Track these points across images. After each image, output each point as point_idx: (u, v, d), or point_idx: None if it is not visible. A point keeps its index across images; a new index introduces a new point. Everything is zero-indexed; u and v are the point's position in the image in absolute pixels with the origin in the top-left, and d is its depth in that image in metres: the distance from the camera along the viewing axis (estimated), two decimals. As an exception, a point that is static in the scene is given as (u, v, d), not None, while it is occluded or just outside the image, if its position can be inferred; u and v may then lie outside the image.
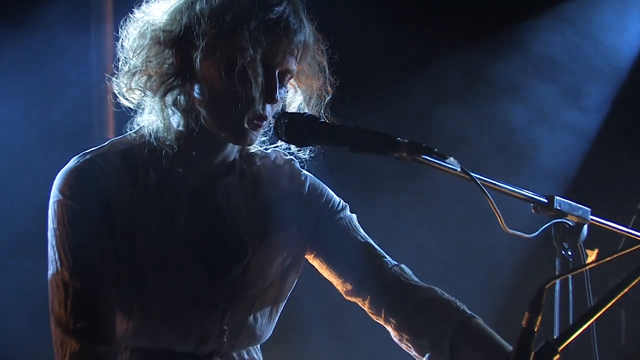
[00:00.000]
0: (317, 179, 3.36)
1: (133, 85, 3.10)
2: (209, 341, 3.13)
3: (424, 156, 2.97)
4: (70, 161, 3.08)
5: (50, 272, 3.02)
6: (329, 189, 3.36)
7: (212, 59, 2.96)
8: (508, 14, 6.67)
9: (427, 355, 3.14)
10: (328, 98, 3.20)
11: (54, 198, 3.04)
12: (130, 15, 3.12)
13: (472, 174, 3.01)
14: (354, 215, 3.35)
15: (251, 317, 3.18)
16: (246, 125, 3.00)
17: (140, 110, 3.16)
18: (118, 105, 3.18)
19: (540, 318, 2.62)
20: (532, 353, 2.61)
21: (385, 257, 3.28)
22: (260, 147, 3.27)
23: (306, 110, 3.16)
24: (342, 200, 3.35)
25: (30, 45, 5.62)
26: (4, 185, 5.45)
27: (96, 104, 5.84)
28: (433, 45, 6.56)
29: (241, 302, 3.16)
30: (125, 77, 3.10)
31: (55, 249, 3.01)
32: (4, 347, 5.47)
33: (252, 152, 3.23)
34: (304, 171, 3.35)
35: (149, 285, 3.04)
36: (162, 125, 3.08)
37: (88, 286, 2.97)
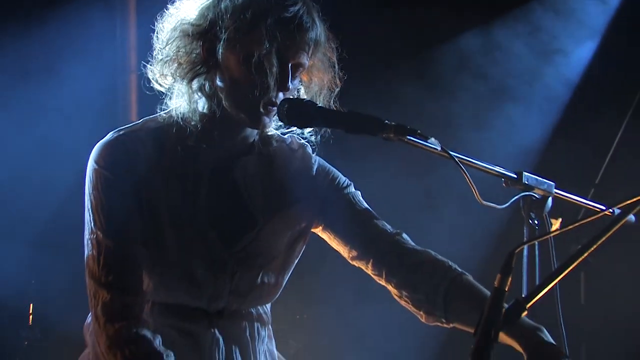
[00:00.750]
0: (325, 162, 3.38)
1: (165, 71, 3.14)
2: (220, 299, 3.14)
3: (408, 137, 3.01)
4: (107, 136, 3.12)
5: (86, 232, 3.05)
6: (335, 169, 3.38)
7: (233, 51, 3.00)
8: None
9: (423, 308, 3.17)
10: (337, 90, 3.22)
11: (90, 167, 3.07)
12: (164, 11, 3.16)
13: (450, 152, 3.03)
14: (358, 192, 3.36)
15: (258, 281, 3.20)
16: (261, 110, 3.04)
17: (169, 95, 3.18)
18: (140, 90, 3.21)
19: (510, 279, 2.64)
20: (503, 310, 2.63)
21: (386, 226, 3.29)
22: (277, 130, 3.29)
23: (317, 100, 3.17)
24: (347, 179, 3.37)
25: (64, 38, 5.63)
26: (46, 156, 5.45)
27: (121, 90, 5.85)
28: (411, 38, 6.54)
29: (249, 267, 3.17)
30: (159, 64, 3.14)
31: (90, 212, 3.04)
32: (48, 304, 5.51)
33: (270, 135, 3.24)
34: (314, 155, 3.37)
35: (169, 248, 3.07)
36: (189, 107, 3.11)
37: (118, 245, 3.00)
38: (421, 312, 3.19)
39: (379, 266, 3.26)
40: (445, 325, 3.18)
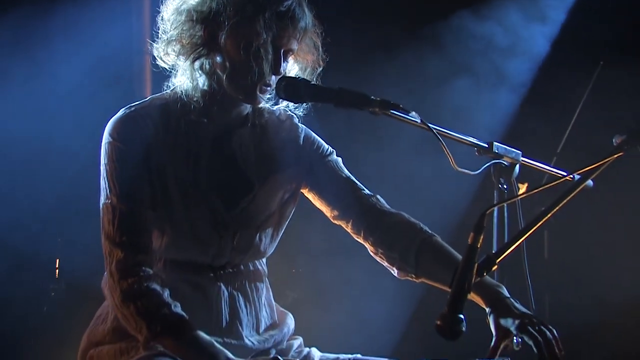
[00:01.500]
0: (310, 131, 3.40)
1: (169, 50, 3.16)
2: (223, 256, 3.17)
3: (392, 111, 3.05)
4: (119, 112, 3.13)
5: (101, 198, 3.07)
6: (319, 138, 3.39)
7: (234, 39, 3.04)
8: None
9: (396, 264, 3.19)
10: (319, 69, 3.24)
11: (105, 140, 3.09)
12: None
13: (429, 124, 3.05)
14: (339, 159, 3.38)
15: (257, 238, 3.22)
16: (257, 92, 3.09)
17: (174, 73, 3.20)
18: (155, 67, 3.22)
19: (482, 237, 2.65)
20: (476, 265, 2.63)
21: (364, 190, 3.32)
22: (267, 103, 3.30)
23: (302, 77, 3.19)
24: (330, 147, 3.38)
25: (85, 18, 5.62)
26: (71, 128, 5.45)
27: (136, 67, 5.83)
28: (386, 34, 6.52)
29: (249, 226, 3.19)
30: (163, 44, 3.16)
31: (106, 180, 3.06)
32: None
33: (261, 108, 3.26)
34: (301, 125, 3.38)
35: (177, 210, 3.09)
36: (191, 85, 3.14)
37: (130, 208, 3.02)
38: (394, 268, 3.23)
39: (357, 226, 3.28)
40: (415, 280, 3.21)
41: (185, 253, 3.13)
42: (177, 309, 2.93)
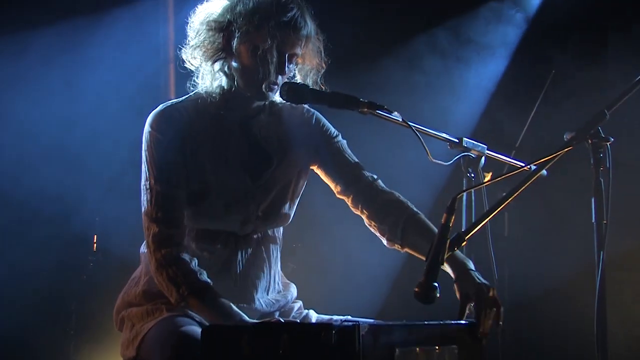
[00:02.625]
0: (320, 115, 3.41)
1: (195, 54, 3.20)
2: (249, 224, 3.18)
3: (378, 111, 3.08)
4: (158, 107, 3.18)
5: (142, 180, 3.11)
6: (328, 122, 3.41)
7: (244, 45, 3.08)
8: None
9: (386, 235, 3.21)
10: (322, 71, 3.25)
11: (145, 130, 3.13)
12: (194, 9, 3.23)
13: (409, 122, 3.07)
14: (345, 141, 3.39)
15: (278, 206, 3.24)
16: (264, 89, 3.11)
17: (198, 74, 3.23)
18: (177, 76, 3.26)
19: (453, 218, 2.65)
20: (448, 240, 2.63)
21: (364, 170, 3.33)
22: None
23: (308, 79, 3.23)
24: (336, 130, 3.40)
25: (121, 32, 5.63)
26: (111, 125, 5.45)
27: (163, 77, 5.83)
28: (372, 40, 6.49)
29: (270, 195, 3.21)
30: (190, 49, 3.20)
31: (145, 164, 3.10)
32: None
33: (275, 99, 3.27)
34: (312, 110, 3.40)
35: (210, 185, 3.11)
36: (213, 83, 3.19)
37: (165, 189, 3.05)
38: (384, 238, 3.24)
39: (356, 201, 3.29)
40: (400, 249, 3.22)
41: (216, 223, 3.14)
42: (203, 275, 2.96)
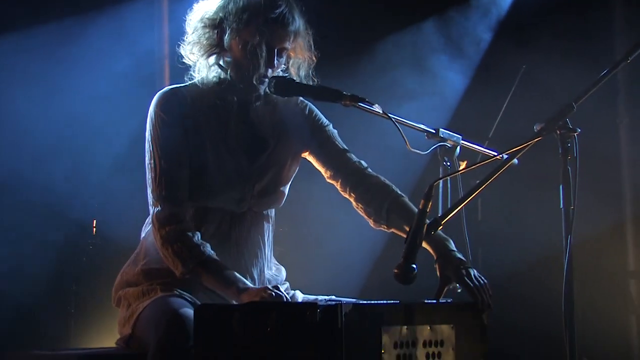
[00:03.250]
0: (312, 105, 3.42)
1: (193, 50, 3.22)
2: (245, 201, 3.19)
3: (360, 103, 3.09)
4: (161, 90, 3.20)
5: (147, 158, 3.13)
6: (319, 112, 3.42)
7: (236, 40, 3.11)
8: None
9: (372, 217, 3.24)
10: (313, 64, 3.27)
11: (151, 110, 3.15)
12: (191, 8, 3.25)
13: (389, 114, 3.09)
14: (335, 130, 3.40)
15: (272, 187, 3.25)
16: (254, 82, 3.13)
17: (195, 68, 3.25)
18: (172, 71, 3.27)
19: (430, 203, 2.66)
20: (425, 225, 2.64)
21: (352, 155, 3.34)
22: None
23: (300, 72, 3.26)
24: (327, 120, 3.41)
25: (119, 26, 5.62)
26: (110, 113, 5.44)
27: (158, 72, 5.81)
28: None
29: (265, 176, 3.22)
30: (188, 45, 3.22)
31: (150, 143, 3.11)
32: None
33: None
34: (305, 101, 3.40)
35: (210, 163, 3.12)
36: (208, 76, 3.21)
37: (169, 167, 3.07)
38: (370, 219, 3.26)
39: (344, 184, 3.31)
40: (386, 230, 3.25)
41: (215, 200, 3.15)
42: (207, 248, 3.00)
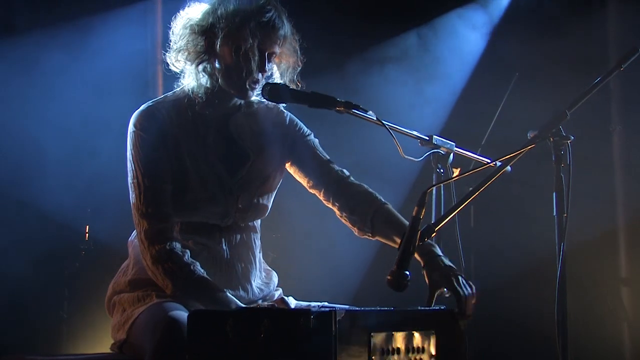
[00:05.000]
0: (293, 115, 3.42)
1: (179, 58, 3.19)
2: (229, 216, 3.18)
3: (354, 110, 3.09)
4: (140, 107, 3.17)
5: (129, 178, 3.09)
6: (300, 121, 3.41)
7: (227, 45, 3.09)
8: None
9: (357, 226, 3.23)
10: (299, 69, 3.27)
11: (130, 130, 3.12)
12: (177, 14, 3.22)
13: (382, 120, 3.08)
14: (317, 140, 3.40)
15: (255, 200, 3.23)
16: (247, 86, 3.12)
17: (182, 75, 3.23)
18: (165, 76, 3.25)
19: (423, 210, 2.66)
20: (419, 232, 2.65)
21: (334, 165, 3.33)
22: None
23: (285, 77, 3.24)
24: (309, 129, 3.40)
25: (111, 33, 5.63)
26: (98, 121, 5.44)
27: (151, 76, 5.82)
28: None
29: (248, 190, 3.21)
30: (174, 53, 3.19)
31: (131, 162, 3.08)
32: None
33: (253, 100, 3.27)
34: (286, 110, 3.40)
35: (191, 179, 3.11)
36: (196, 83, 3.18)
37: (152, 185, 3.04)
38: (355, 227, 3.25)
39: (327, 194, 3.30)
40: (371, 238, 3.24)
41: (198, 215, 3.13)
42: (196, 267, 2.97)
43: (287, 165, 3.36)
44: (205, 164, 3.14)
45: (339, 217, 3.30)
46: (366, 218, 3.20)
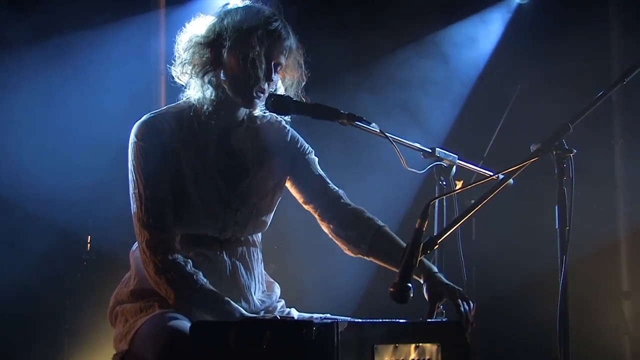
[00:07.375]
0: (295, 131, 3.41)
1: (184, 70, 3.19)
2: (227, 229, 3.17)
3: (357, 122, 3.09)
4: (142, 118, 3.15)
5: (131, 188, 3.09)
6: (302, 138, 3.41)
7: (234, 53, 3.08)
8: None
9: (352, 243, 3.25)
10: (303, 83, 3.26)
11: (131, 140, 3.11)
12: (182, 28, 3.23)
13: (386, 133, 3.09)
14: (316, 158, 3.39)
15: (253, 214, 3.22)
16: (254, 94, 3.11)
17: (187, 87, 3.22)
18: (168, 87, 3.25)
19: (426, 223, 2.66)
20: (422, 244, 2.65)
21: (330, 184, 3.34)
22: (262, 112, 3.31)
23: (290, 91, 3.23)
24: (309, 147, 3.40)
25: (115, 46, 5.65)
26: (104, 133, 5.45)
27: (154, 88, 5.84)
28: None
29: (247, 204, 3.20)
30: (179, 66, 3.20)
31: (133, 173, 3.08)
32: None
33: (255, 115, 3.27)
34: (288, 126, 3.39)
35: (190, 192, 3.10)
36: (202, 95, 3.17)
37: (153, 195, 3.04)
38: (350, 245, 3.27)
39: (323, 214, 3.31)
40: (364, 256, 3.26)
41: (198, 227, 3.12)
42: (199, 276, 2.96)
43: (286, 181, 3.37)
44: (204, 177, 3.13)
45: (331, 237, 3.31)
46: (365, 235, 3.21)
